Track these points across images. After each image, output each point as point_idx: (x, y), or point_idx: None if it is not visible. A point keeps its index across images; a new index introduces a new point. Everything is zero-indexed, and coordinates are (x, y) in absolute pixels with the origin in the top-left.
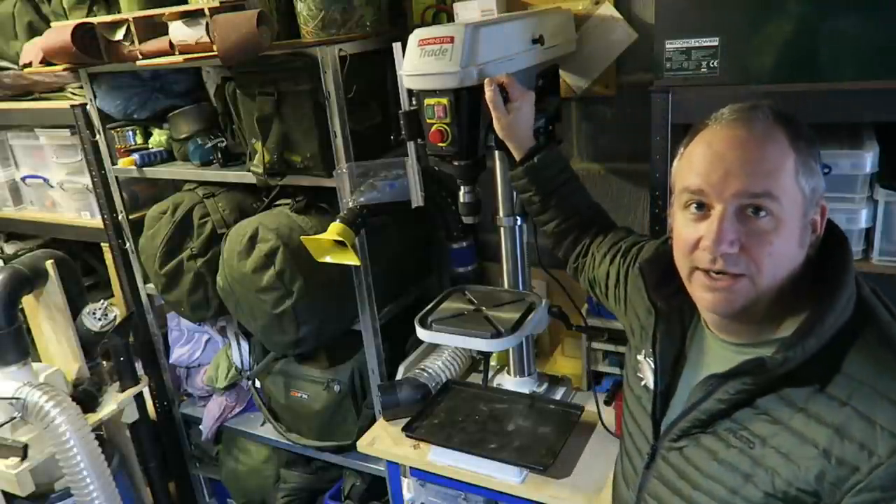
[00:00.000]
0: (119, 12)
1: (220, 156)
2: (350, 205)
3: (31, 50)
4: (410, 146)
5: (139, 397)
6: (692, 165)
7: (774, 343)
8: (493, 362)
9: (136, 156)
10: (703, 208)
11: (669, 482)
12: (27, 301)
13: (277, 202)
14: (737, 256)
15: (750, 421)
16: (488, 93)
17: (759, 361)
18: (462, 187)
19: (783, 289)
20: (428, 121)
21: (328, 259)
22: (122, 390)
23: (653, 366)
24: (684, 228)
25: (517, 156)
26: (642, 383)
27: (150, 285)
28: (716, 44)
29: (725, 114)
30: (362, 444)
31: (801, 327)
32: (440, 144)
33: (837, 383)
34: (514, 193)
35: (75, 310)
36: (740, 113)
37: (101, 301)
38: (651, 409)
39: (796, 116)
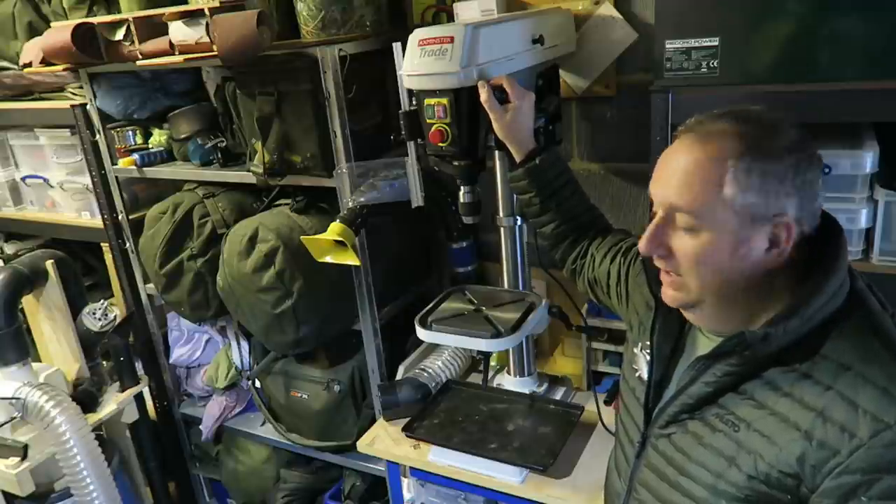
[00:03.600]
0: (119, 12)
1: (220, 156)
2: (350, 205)
3: (31, 50)
4: (410, 146)
5: (139, 397)
6: (654, 172)
7: None
8: (493, 362)
9: (136, 156)
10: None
11: (658, 469)
12: (27, 301)
13: (277, 202)
14: (668, 259)
15: (736, 405)
16: (483, 94)
17: (740, 337)
18: (462, 187)
19: (748, 289)
20: (428, 121)
21: (328, 259)
22: (122, 390)
23: (648, 357)
24: None
25: (517, 157)
26: (637, 374)
27: (150, 285)
28: (716, 44)
29: (688, 124)
30: (362, 444)
31: (786, 308)
32: (440, 144)
33: (823, 369)
34: (514, 194)
35: (75, 310)
36: (694, 124)
37: (101, 301)
38: (644, 399)
39: (762, 132)
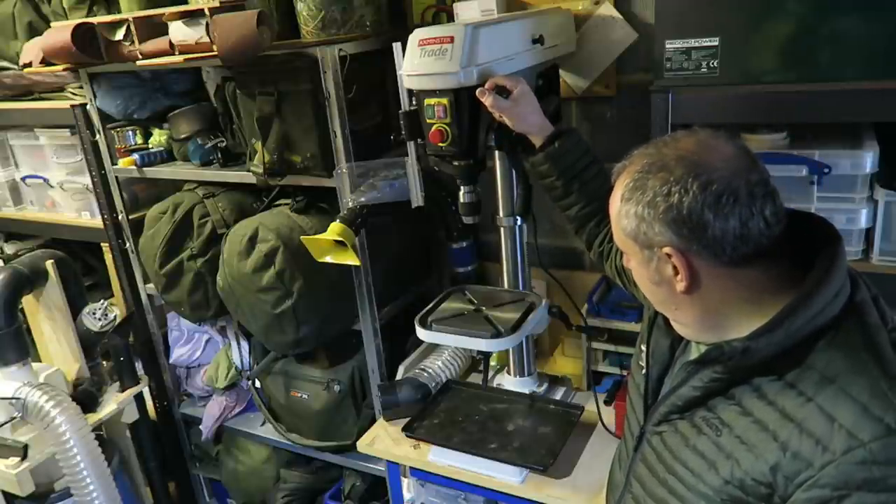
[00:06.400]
0: (119, 12)
1: (220, 156)
2: (350, 205)
3: (31, 50)
4: (410, 146)
5: (139, 397)
6: None
7: None
8: (493, 362)
9: (136, 156)
10: None
11: (650, 465)
12: (27, 301)
13: (277, 202)
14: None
15: (723, 409)
16: (489, 101)
17: (719, 349)
18: (462, 187)
19: (709, 310)
20: (428, 121)
21: (328, 259)
22: (122, 390)
23: (643, 351)
24: None
25: (537, 142)
26: (642, 371)
27: (150, 285)
28: (716, 44)
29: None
30: (362, 444)
31: (771, 320)
32: (440, 144)
33: (808, 380)
34: (516, 192)
35: (75, 310)
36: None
37: (101, 301)
38: (644, 395)
39: (648, 167)
